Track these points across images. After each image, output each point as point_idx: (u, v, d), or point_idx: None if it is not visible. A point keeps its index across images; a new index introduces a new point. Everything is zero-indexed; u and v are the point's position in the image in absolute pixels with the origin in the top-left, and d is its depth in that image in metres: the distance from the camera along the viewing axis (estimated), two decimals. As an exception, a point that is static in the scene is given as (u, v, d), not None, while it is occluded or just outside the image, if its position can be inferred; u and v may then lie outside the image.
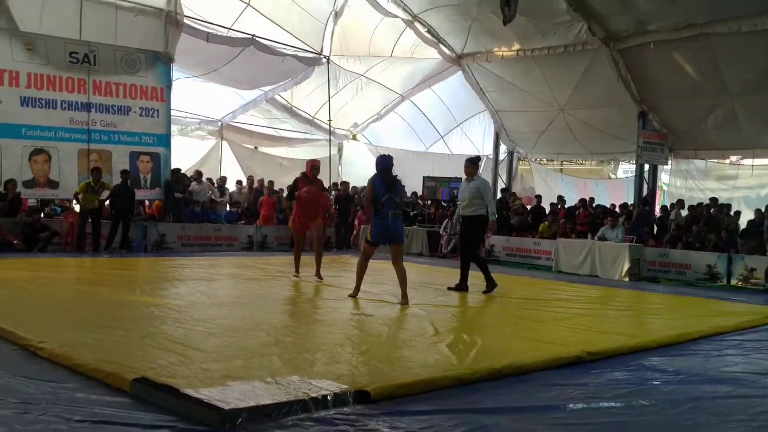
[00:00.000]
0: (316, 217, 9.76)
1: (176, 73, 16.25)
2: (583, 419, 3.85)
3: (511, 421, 3.73)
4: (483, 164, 21.45)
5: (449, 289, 9.46)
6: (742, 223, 15.21)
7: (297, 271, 9.93)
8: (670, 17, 14.39)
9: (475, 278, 9.49)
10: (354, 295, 8.14)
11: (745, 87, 14.90)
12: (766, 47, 13.81)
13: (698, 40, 14.44)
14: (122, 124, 14.22)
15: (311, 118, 20.20)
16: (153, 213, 15.14)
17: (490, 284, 9.43)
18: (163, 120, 14.76)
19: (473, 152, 22.09)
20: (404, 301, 7.81)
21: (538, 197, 18.70)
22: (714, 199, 15.91)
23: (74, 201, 13.27)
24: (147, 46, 14.37)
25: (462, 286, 9.43)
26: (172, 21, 14.35)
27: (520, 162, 21.92)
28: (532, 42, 16.77)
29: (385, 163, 8.07)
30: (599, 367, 5.16)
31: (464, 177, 9.65)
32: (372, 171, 8.19)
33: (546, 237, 16.00)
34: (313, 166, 9.91)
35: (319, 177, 9.98)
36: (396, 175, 8.14)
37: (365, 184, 8.47)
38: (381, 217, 7.82)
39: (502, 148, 21.19)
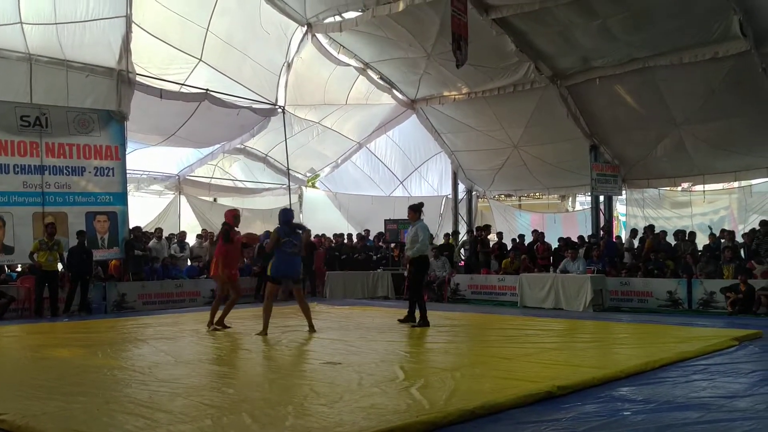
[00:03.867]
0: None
1: (133, 144, 16.25)
2: (558, 455, 3.85)
3: (486, 462, 3.71)
4: (444, 204, 21.88)
5: (399, 321, 10.47)
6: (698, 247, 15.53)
7: (212, 323, 10.01)
8: (613, 53, 14.87)
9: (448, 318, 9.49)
10: (263, 334, 9.09)
11: (691, 116, 15.40)
12: (706, 77, 14.34)
13: (642, 73, 14.93)
14: (77, 185, 14.02)
15: (264, 155, 20.11)
16: (112, 273, 14.88)
17: (423, 321, 10.15)
18: (118, 178, 14.58)
19: (433, 193, 22.45)
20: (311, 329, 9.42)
21: (499, 234, 18.98)
22: (651, 226, 16.25)
23: (31, 261, 12.98)
24: (99, 106, 14.27)
25: (410, 318, 10.44)
26: (124, 79, 14.30)
27: (480, 200, 22.18)
28: (483, 84, 17.15)
29: (286, 216, 9.51)
30: (570, 401, 5.19)
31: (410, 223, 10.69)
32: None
33: (509, 272, 16.14)
34: (234, 216, 10.35)
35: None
36: (299, 224, 9.97)
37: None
38: (282, 253, 9.21)
39: (461, 186, 21.43)
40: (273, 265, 9.31)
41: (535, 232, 17.64)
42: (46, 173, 13.63)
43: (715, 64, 13.93)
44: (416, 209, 10.61)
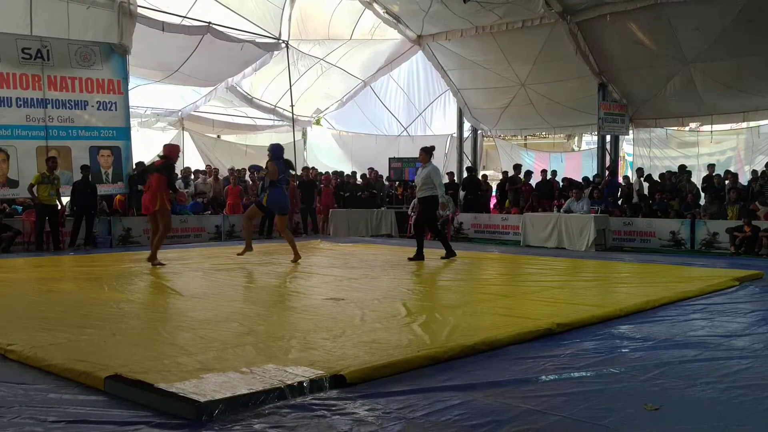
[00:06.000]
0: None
1: (136, 80, 16.10)
2: (556, 390, 3.91)
3: (485, 396, 3.78)
4: (449, 143, 21.80)
5: (409, 259, 10.53)
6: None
7: (154, 257, 9.86)
8: (625, -12, 14.53)
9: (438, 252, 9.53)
10: (246, 251, 10.24)
11: (701, 54, 15.12)
12: (719, 14, 14.01)
13: (653, 9, 14.60)
14: (80, 119, 13.97)
15: (273, 107, 20.03)
16: (117, 207, 14.94)
17: (449, 253, 10.71)
18: (121, 113, 14.51)
19: (437, 135, 22.36)
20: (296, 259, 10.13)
21: (504, 174, 18.93)
22: (683, 167, 16.14)
23: (30, 194, 12.99)
24: (101, 39, 14.08)
25: (419, 257, 10.53)
26: (126, 11, 14.07)
27: (485, 138, 22.04)
28: (491, 18, 16.79)
29: (280, 152, 10.11)
30: (569, 338, 5.25)
31: (419, 164, 10.97)
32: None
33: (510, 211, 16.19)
34: (178, 152, 10.63)
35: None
36: (290, 163, 10.63)
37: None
38: (278, 188, 9.95)
39: (466, 125, 21.25)
40: (282, 202, 10.11)
41: (544, 171, 17.67)
42: (49, 107, 13.57)
43: (729, 1, 13.61)
44: (428, 151, 10.79)
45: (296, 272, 9.18)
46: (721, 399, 3.80)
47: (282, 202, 10.18)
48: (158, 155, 10.45)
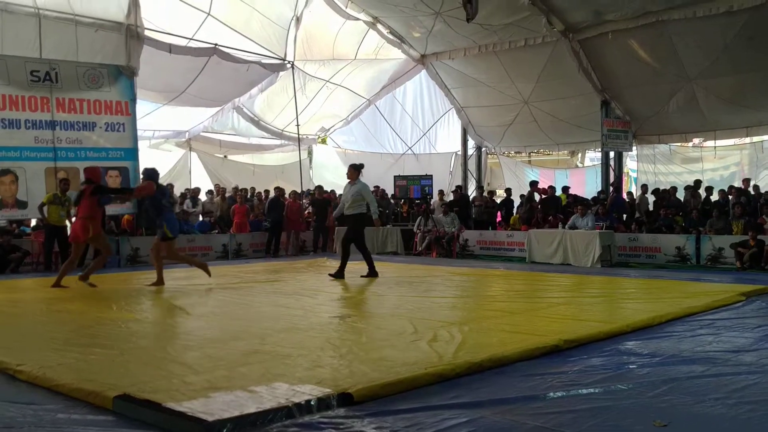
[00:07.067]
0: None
1: (144, 106, 16.26)
2: (564, 407, 3.91)
3: (493, 413, 3.78)
4: (453, 160, 21.91)
5: (330, 275, 10.76)
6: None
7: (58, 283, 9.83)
8: (626, 6, 14.61)
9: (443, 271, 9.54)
10: (158, 284, 9.72)
11: (704, 71, 15.18)
12: (721, 31, 14.09)
13: (655, 27, 14.70)
14: (88, 141, 14.06)
15: (280, 131, 20.16)
16: (125, 227, 15.01)
17: (372, 272, 10.87)
18: (129, 134, 14.59)
19: (442, 152, 22.49)
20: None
21: (508, 190, 18.97)
22: (698, 181, 16.14)
23: (40, 213, 13.04)
24: (108, 61, 14.20)
25: (340, 275, 10.69)
26: (133, 34, 14.20)
27: (489, 156, 22.12)
28: (494, 37, 16.92)
29: (155, 176, 10.00)
30: (576, 354, 5.25)
31: (348, 181, 11.04)
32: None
33: (517, 228, 16.18)
34: (99, 173, 10.57)
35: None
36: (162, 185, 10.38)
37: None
38: (170, 213, 10.07)
39: (471, 143, 21.33)
40: (170, 227, 9.82)
41: (551, 187, 17.68)
42: (58, 128, 13.67)
43: (730, 18, 13.70)
44: (357, 168, 11.07)
45: (303, 290, 9.19)
46: (730, 415, 3.80)
47: (176, 226, 10.21)
48: (82, 182, 10.50)
